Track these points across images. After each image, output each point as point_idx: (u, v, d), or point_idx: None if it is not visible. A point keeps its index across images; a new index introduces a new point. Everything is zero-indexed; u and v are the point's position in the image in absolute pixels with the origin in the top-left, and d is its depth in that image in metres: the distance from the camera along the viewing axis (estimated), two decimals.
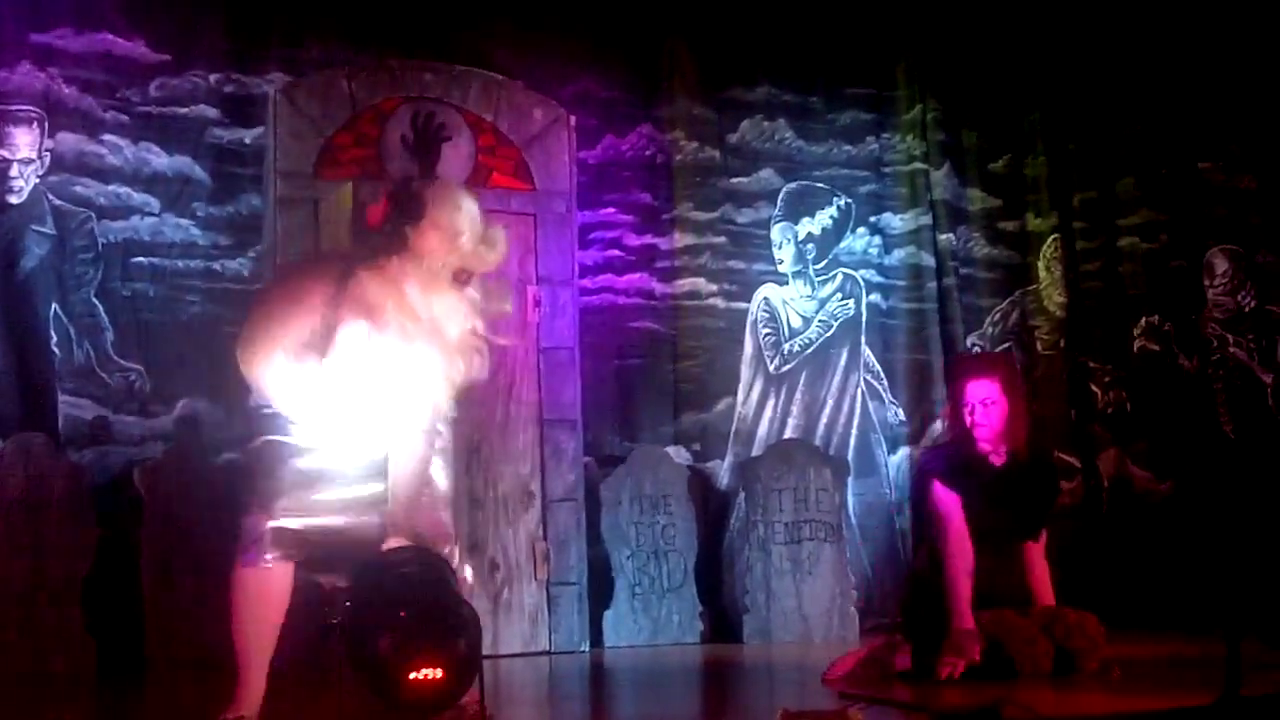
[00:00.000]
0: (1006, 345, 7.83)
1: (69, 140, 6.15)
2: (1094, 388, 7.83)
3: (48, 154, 6.12)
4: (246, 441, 3.98)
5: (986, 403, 5.03)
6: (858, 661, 4.98)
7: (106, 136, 6.22)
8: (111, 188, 6.21)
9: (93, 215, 6.17)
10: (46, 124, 6.12)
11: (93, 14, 6.23)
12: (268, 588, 3.95)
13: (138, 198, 6.26)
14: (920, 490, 5.19)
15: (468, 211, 4.10)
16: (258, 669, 3.95)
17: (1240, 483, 7.16)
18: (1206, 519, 7.08)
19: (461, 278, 4.13)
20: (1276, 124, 7.68)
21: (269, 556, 3.93)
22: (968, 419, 5.04)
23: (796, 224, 7.53)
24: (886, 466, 7.53)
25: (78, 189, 6.16)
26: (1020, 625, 4.85)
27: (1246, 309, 7.73)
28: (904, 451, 7.56)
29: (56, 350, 6.03)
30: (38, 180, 6.09)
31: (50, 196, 6.11)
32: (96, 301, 6.16)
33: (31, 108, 6.12)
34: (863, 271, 7.63)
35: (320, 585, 4.12)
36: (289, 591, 3.98)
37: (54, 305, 6.05)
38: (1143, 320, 7.81)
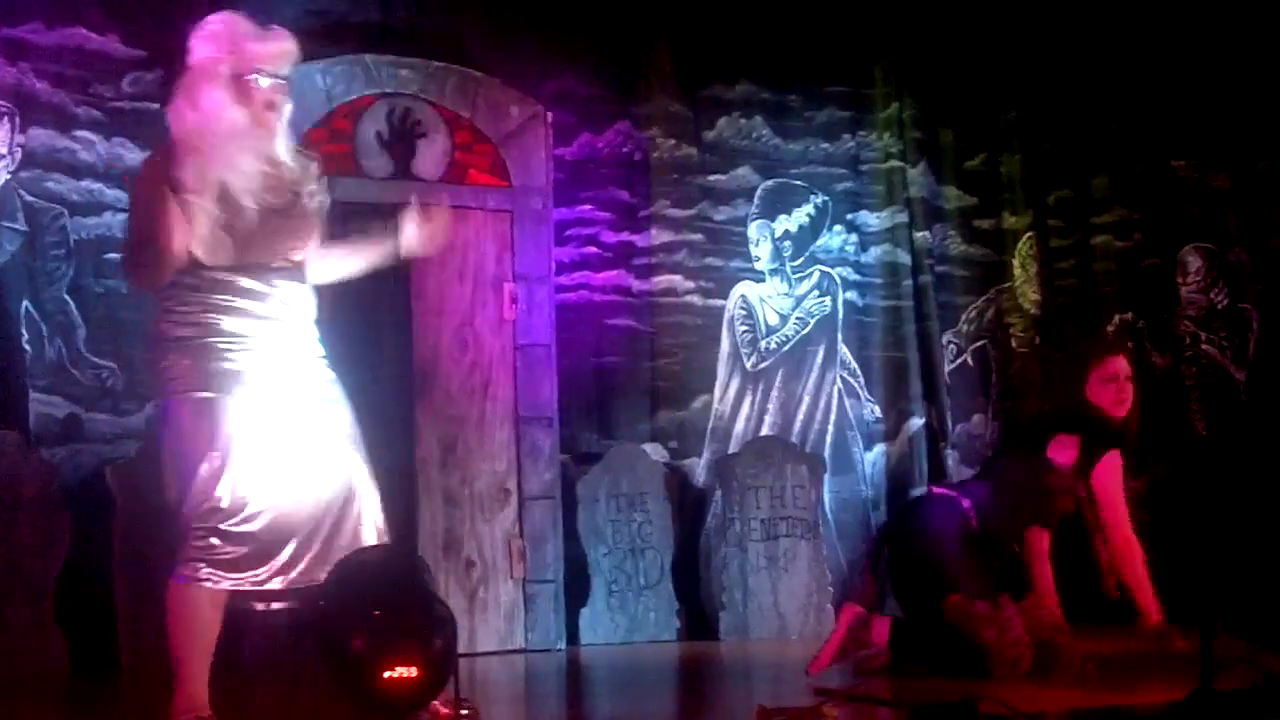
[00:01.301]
0: (981, 343, 7.86)
1: (41, 136, 6.09)
2: None
3: (19, 149, 6.07)
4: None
5: (1131, 379, 5.28)
6: (837, 646, 4.95)
7: (79, 132, 6.17)
8: (84, 184, 6.16)
9: (65, 211, 6.12)
10: (18, 119, 6.07)
11: (65, 8, 6.17)
12: (207, 607, 3.92)
13: (110, 194, 6.20)
14: (1087, 465, 5.27)
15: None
16: (198, 676, 3.91)
17: (1213, 479, 7.20)
18: (1180, 515, 7.12)
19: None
20: (1249, 122, 7.73)
21: (203, 577, 3.90)
22: (1113, 395, 5.23)
23: (773, 221, 7.53)
24: (863, 463, 7.53)
25: (50, 185, 6.10)
26: (1016, 640, 4.86)
27: (1219, 307, 7.77)
28: (880, 448, 7.57)
29: (28, 348, 5.98)
30: (9, 176, 6.04)
31: (22, 192, 6.05)
32: (69, 298, 6.11)
33: (2, 103, 6.07)
34: (839, 269, 7.64)
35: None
36: (221, 610, 3.94)
37: (25, 302, 6.00)
38: (1116, 318, 7.84)
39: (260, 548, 3.93)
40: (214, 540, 3.88)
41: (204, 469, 3.88)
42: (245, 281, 3.97)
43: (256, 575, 3.94)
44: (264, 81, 3.98)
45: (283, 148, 4.08)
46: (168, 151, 3.92)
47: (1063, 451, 5.32)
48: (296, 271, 4.09)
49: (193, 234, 3.84)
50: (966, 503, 5.17)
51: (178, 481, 3.93)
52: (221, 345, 3.93)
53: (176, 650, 3.92)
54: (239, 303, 3.96)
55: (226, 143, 3.91)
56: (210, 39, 3.98)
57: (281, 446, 3.97)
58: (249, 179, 3.94)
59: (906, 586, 5.21)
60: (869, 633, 4.97)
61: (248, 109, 3.96)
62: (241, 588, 3.94)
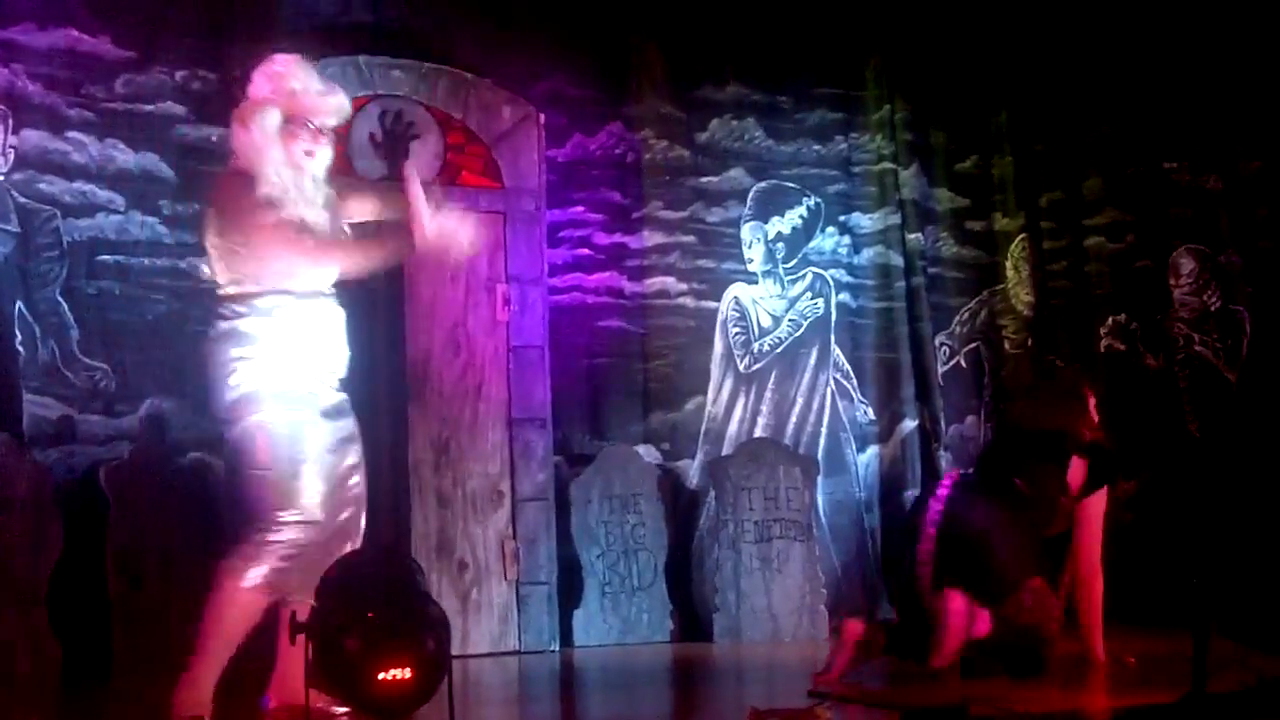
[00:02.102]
0: (974, 344, 7.87)
1: (33, 137, 6.07)
2: None
3: (11, 151, 6.04)
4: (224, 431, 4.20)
5: None
6: (848, 660, 4.88)
7: (71, 133, 6.15)
8: (76, 185, 6.15)
9: (57, 213, 6.10)
10: (10, 121, 6.05)
11: (57, 9, 6.16)
12: (249, 610, 4.09)
13: (103, 195, 6.19)
14: (1086, 492, 5.33)
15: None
16: (211, 674, 4.05)
17: (1206, 481, 7.20)
18: (1173, 517, 7.13)
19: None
20: (1241, 124, 7.74)
21: (260, 583, 4.04)
22: (1094, 419, 5.40)
23: (766, 223, 7.53)
24: (856, 465, 7.54)
25: (42, 186, 6.08)
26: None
27: (1212, 308, 7.78)
28: (873, 450, 7.57)
29: (21, 349, 5.96)
30: (1, 177, 6.02)
31: (14, 194, 6.03)
32: (61, 300, 6.09)
33: None
34: (832, 271, 7.64)
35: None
36: (261, 614, 4.11)
37: (18, 303, 5.98)
38: (1109, 320, 7.85)
39: (314, 552, 4.09)
40: (280, 549, 4.07)
41: (273, 484, 4.09)
42: (289, 304, 4.21)
43: (305, 580, 4.05)
44: (307, 130, 4.25)
45: (316, 191, 4.30)
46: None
47: (1075, 475, 5.30)
48: (330, 295, 4.33)
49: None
50: None
51: (250, 494, 4.15)
52: (278, 366, 4.16)
53: (204, 643, 4.06)
54: (285, 324, 4.19)
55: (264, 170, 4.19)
56: (270, 78, 4.25)
57: (331, 458, 4.21)
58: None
59: (979, 563, 5.00)
60: (879, 639, 4.92)
61: (286, 149, 4.22)
62: (291, 590, 4.10)
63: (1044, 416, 5.32)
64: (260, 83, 4.27)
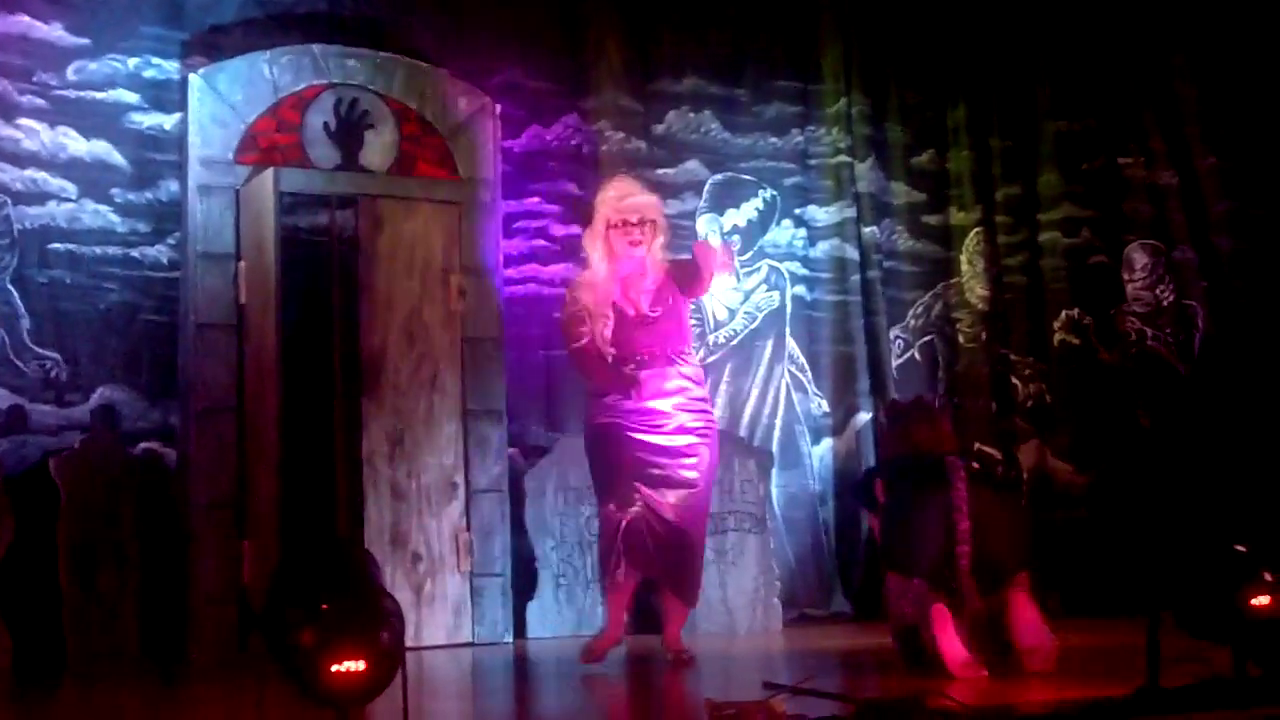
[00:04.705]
0: (929, 338, 7.89)
1: None
2: (1015, 381, 7.91)
3: None
4: None
5: None
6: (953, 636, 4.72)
7: (23, 121, 6.10)
8: (28, 173, 6.09)
9: (8, 200, 6.05)
10: None
11: None
12: None
13: (55, 183, 6.14)
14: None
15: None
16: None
17: (1158, 474, 7.27)
18: (1125, 510, 7.18)
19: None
20: (1197, 120, 7.81)
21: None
22: None
23: (722, 216, 7.53)
24: (810, 458, 7.55)
25: None
26: None
27: (1165, 303, 7.85)
28: (828, 443, 7.58)
29: None
30: None
31: None
32: (12, 289, 6.04)
33: None
34: (787, 264, 7.65)
35: None
36: None
37: None
38: (1063, 314, 7.91)
39: None
40: None
41: None
42: (645, 373, 5.37)
43: None
44: (630, 226, 5.46)
45: (652, 269, 5.50)
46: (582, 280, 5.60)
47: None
48: (679, 363, 5.46)
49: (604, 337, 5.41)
50: None
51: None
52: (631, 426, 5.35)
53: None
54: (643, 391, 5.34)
55: (607, 278, 5.47)
56: (601, 201, 5.56)
57: None
58: (625, 299, 5.45)
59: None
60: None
61: (616, 249, 5.47)
62: None
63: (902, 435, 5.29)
64: (601, 199, 5.54)
